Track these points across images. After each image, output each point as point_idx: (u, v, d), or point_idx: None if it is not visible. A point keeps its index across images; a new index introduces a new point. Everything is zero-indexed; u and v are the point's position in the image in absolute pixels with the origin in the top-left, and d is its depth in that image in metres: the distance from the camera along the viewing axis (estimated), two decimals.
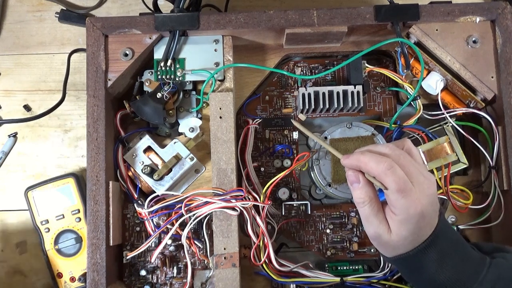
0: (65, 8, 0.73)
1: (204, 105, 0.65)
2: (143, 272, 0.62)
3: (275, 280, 0.61)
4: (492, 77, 0.61)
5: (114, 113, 0.63)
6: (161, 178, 0.62)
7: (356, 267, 0.64)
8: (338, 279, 0.60)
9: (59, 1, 0.73)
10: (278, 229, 0.64)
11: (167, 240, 0.59)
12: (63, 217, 0.66)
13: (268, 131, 0.67)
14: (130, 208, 0.63)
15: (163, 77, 0.61)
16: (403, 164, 0.49)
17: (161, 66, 0.61)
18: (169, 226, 0.60)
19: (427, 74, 0.64)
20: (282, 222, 0.65)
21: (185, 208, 0.58)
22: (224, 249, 0.58)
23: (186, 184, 0.65)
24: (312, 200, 0.67)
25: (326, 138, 0.64)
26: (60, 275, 0.66)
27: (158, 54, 0.62)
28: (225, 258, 0.58)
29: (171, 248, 0.62)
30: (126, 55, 0.61)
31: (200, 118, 0.65)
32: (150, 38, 0.61)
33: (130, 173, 0.63)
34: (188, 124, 0.64)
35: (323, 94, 0.64)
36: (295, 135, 0.67)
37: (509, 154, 0.60)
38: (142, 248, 0.60)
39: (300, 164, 0.62)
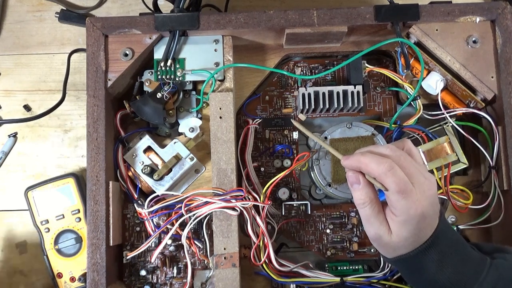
0: (65, 8, 0.73)
1: (204, 105, 0.65)
2: (143, 272, 0.62)
3: (275, 280, 0.61)
4: (492, 77, 0.61)
5: (114, 113, 0.63)
6: (161, 178, 0.62)
7: (356, 267, 0.64)
8: (338, 279, 0.60)
9: (59, 1, 0.73)
10: (278, 229, 0.64)
11: (167, 240, 0.59)
12: (63, 217, 0.66)
13: (268, 131, 0.67)
14: (130, 208, 0.64)
15: (163, 77, 0.61)
16: (403, 165, 0.48)
17: (161, 66, 0.61)
18: (169, 226, 0.60)
19: (427, 74, 0.64)
20: (282, 222, 0.65)
21: (185, 208, 0.58)
22: (224, 249, 0.58)
23: (186, 184, 0.65)
24: (312, 200, 0.67)
25: (326, 138, 0.64)
26: (60, 275, 0.66)
27: (158, 54, 0.62)
28: (225, 258, 0.58)
29: (171, 248, 0.62)
30: (126, 55, 0.61)
31: (200, 118, 0.65)
32: (150, 38, 0.61)
33: (130, 173, 0.63)
34: (188, 124, 0.64)
35: (323, 94, 0.64)
36: (295, 135, 0.67)
37: (509, 154, 0.60)
38: (142, 248, 0.60)
39: (300, 164, 0.62)
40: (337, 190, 0.62)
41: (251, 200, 0.59)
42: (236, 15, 0.60)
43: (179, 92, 0.64)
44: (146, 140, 0.63)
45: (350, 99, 0.64)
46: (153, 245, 0.61)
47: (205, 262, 0.63)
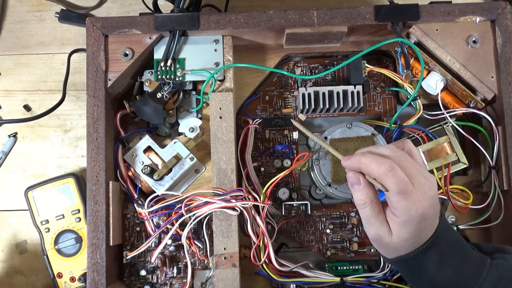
0: (65, 8, 0.73)
1: (204, 105, 0.65)
2: (143, 272, 0.62)
3: (275, 280, 0.61)
4: (492, 77, 0.61)
5: (114, 113, 0.63)
6: (161, 178, 0.62)
7: (356, 267, 0.64)
8: (338, 279, 0.60)
9: (59, 1, 0.73)
10: (278, 229, 0.64)
11: (167, 240, 0.59)
12: (63, 217, 0.66)
13: (268, 131, 0.67)
14: (130, 208, 0.64)
15: (163, 77, 0.61)
16: (404, 165, 0.48)
17: (161, 66, 0.61)
18: (169, 226, 0.60)
19: (427, 74, 0.64)
20: (282, 222, 0.65)
21: (185, 208, 0.58)
22: (224, 249, 0.58)
23: (186, 184, 0.65)
24: (312, 200, 0.67)
25: (326, 138, 0.64)
26: (60, 275, 0.66)
27: (158, 54, 0.62)
28: (225, 258, 0.58)
29: (171, 248, 0.62)
30: (126, 55, 0.61)
31: (200, 118, 0.65)
32: (150, 38, 0.61)
33: (130, 173, 0.63)
34: (188, 124, 0.64)
35: (323, 94, 0.64)
36: (295, 135, 0.67)
37: (509, 154, 0.60)
38: (142, 248, 0.60)
39: (300, 164, 0.62)
40: (337, 190, 0.63)
41: (251, 200, 0.59)
42: (236, 15, 0.60)
43: (179, 92, 0.64)
44: (146, 140, 0.63)
45: (350, 99, 0.64)
46: (153, 245, 0.61)
47: (205, 262, 0.63)
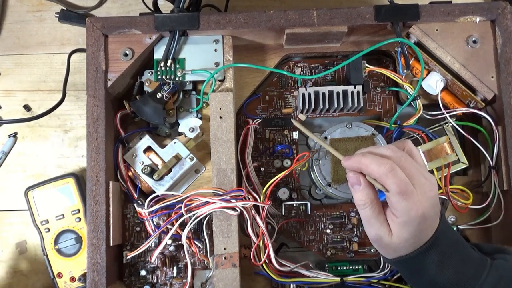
0: (65, 8, 0.73)
1: (204, 105, 0.65)
2: (143, 272, 0.62)
3: (275, 280, 0.61)
4: (492, 77, 0.61)
5: (114, 113, 0.63)
6: (161, 178, 0.62)
7: (356, 267, 0.64)
8: (338, 279, 0.60)
9: (59, 1, 0.73)
10: (278, 229, 0.64)
11: (167, 240, 0.59)
12: (63, 217, 0.66)
13: (268, 131, 0.67)
14: (130, 208, 0.64)
15: (163, 77, 0.61)
16: (404, 166, 0.48)
17: (161, 66, 0.61)
18: (169, 226, 0.60)
19: (427, 74, 0.64)
20: (282, 222, 0.65)
21: (185, 208, 0.58)
22: (224, 249, 0.58)
23: (186, 184, 0.65)
24: (312, 200, 0.67)
25: (326, 138, 0.64)
26: (60, 275, 0.66)
27: (158, 54, 0.62)
28: (225, 258, 0.58)
29: (171, 248, 0.62)
30: (126, 55, 0.61)
31: (200, 118, 0.65)
32: (150, 38, 0.61)
33: (130, 173, 0.63)
34: (188, 124, 0.64)
35: (323, 94, 0.64)
36: (295, 135, 0.67)
37: (509, 154, 0.60)
38: (142, 248, 0.60)
39: (300, 164, 0.62)
40: (337, 190, 0.62)
41: (251, 200, 0.59)
42: (236, 15, 0.60)
43: (179, 92, 0.64)
44: (146, 140, 0.63)
45: (350, 99, 0.64)
46: (153, 245, 0.61)
47: (205, 262, 0.63)
